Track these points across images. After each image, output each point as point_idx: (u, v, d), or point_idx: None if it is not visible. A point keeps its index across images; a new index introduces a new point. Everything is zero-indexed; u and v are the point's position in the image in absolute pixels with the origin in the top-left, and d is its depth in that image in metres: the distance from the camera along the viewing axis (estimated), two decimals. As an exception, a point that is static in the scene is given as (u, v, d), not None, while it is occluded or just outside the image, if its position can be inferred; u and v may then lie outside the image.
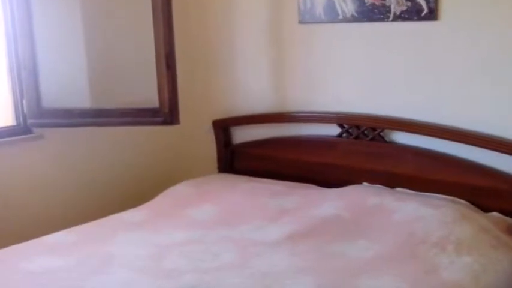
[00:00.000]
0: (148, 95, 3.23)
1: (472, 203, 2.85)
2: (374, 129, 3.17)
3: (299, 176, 3.35)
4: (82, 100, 3.38)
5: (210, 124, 3.74)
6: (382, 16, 3.06)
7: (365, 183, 3.15)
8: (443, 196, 2.90)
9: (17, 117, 3.34)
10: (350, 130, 3.25)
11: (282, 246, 2.59)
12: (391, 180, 3.09)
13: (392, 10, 3.02)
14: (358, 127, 3.22)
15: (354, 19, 3.16)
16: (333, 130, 3.31)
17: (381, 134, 3.15)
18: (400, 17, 3.00)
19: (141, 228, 2.85)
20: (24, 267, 2.43)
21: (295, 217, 2.86)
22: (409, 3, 2.96)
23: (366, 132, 3.20)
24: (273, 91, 3.56)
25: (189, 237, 2.73)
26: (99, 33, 3.41)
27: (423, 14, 2.93)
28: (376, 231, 2.66)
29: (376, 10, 3.07)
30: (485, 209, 2.82)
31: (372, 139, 3.18)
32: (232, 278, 2.30)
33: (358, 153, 3.22)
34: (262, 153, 3.56)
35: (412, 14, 2.96)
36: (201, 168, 3.77)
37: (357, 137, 3.23)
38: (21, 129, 3.33)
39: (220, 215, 2.97)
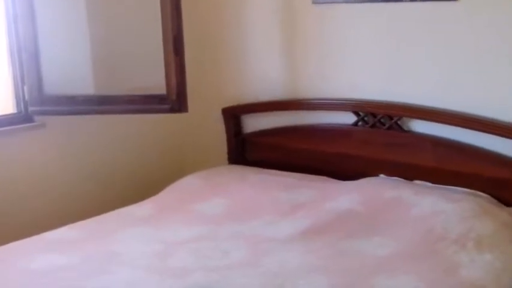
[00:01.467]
0: (155, 81, 3.17)
1: (494, 196, 2.79)
2: (391, 118, 3.09)
3: (313, 167, 3.29)
4: (86, 86, 3.32)
5: (219, 112, 3.67)
6: (399, -4, 3.00)
7: (382, 175, 3.09)
8: (464, 189, 2.85)
9: (17, 105, 3.28)
10: (366, 118, 3.18)
11: (295, 243, 2.55)
12: (409, 172, 3.03)
13: (411, -11, 2.96)
14: (374, 115, 3.14)
15: (370, -1, 3.10)
16: (348, 118, 3.24)
17: (398, 122, 3.08)
18: (419, -3, 2.95)
19: (146, 223, 2.81)
20: (24, 265, 2.39)
21: (308, 212, 2.81)
22: (428, -18, 2.91)
23: (382, 120, 3.13)
24: (285, 76, 3.49)
25: (197, 234, 2.68)
26: (103, 15, 3.36)
27: (443, -7, 2.88)
28: (392, 227, 2.62)
29: (393, -10, 3.01)
30: (507, 202, 2.75)
31: (389, 128, 3.11)
32: (242, 277, 2.26)
33: (375, 143, 3.15)
34: (274, 143, 3.50)
35: (431, -7, 2.91)
36: (210, 159, 3.71)
37: (373, 126, 3.16)
38: (22, 118, 3.26)
39: (230, 209, 2.93)
